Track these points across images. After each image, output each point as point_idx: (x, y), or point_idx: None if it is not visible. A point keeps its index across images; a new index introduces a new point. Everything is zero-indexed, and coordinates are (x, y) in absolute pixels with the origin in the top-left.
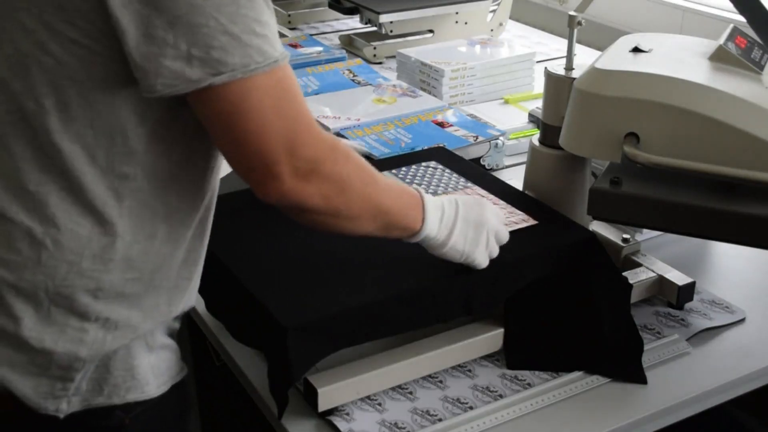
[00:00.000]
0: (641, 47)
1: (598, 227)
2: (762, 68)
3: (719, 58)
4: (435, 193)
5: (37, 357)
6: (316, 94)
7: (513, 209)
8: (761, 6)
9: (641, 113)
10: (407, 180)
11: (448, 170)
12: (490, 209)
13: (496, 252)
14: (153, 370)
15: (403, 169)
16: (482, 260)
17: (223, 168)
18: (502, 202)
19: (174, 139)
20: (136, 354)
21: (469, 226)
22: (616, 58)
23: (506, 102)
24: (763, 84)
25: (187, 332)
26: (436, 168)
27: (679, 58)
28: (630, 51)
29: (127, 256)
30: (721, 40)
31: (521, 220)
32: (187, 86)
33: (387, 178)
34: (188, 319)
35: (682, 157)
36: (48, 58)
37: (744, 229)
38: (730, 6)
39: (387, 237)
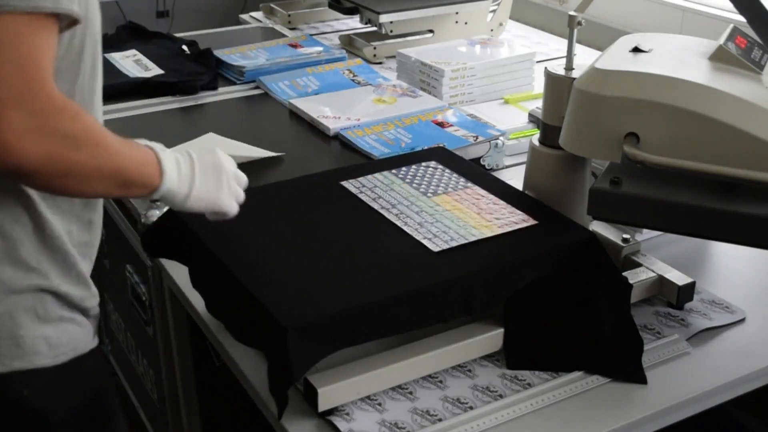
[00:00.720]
0: (641, 47)
1: (598, 227)
2: (762, 68)
3: (719, 58)
4: (435, 194)
5: None
6: (316, 94)
7: (513, 209)
8: (761, 6)
9: (641, 113)
10: (407, 180)
11: (448, 170)
12: (222, 154)
13: (241, 195)
14: (47, 341)
15: (403, 169)
16: (229, 206)
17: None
18: (502, 202)
19: None
20: (23, 323)
21: (208, 173)
22: (616, 58)
23: (506, 102)
24: (763, 84)
25: (188, 332)
26: (436, 168)
27: (679, 58)
28: (630, 51)
29: None
30: (721, 40)
31: (521, 220)
32: None
33: (118, 138)
34: (188, 319)
35: (682, 157)
36: None
37: (744, 229)
38: (730, 6)
39: (128, 195)
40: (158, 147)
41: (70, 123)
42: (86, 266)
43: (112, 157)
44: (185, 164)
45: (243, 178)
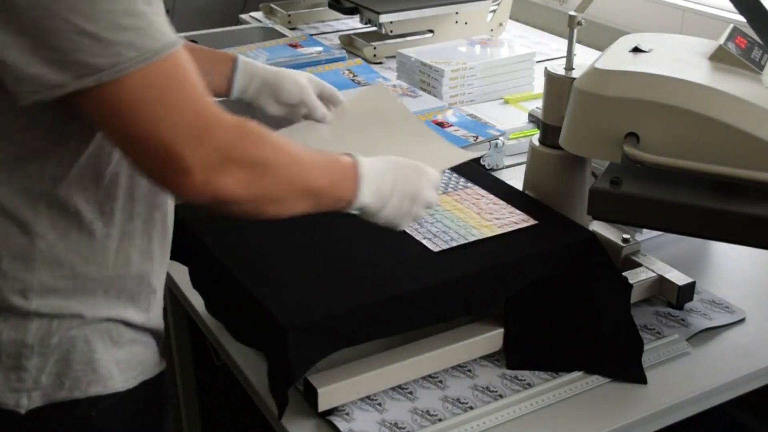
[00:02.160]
0: (641, 47)
1: (598, 227)
2: (762, 68)
3: (719, 58)
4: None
5: None
6: None
7: (513, 209)
8: (761, 6)
9: (641, 113)
10: None
11: (448, 170)
12: (429, 180)
13: (421, 217)
14: (118, 365)
15: None
16: (405, 227)
17: None
18: (502, 202)
19: (72, 136)
20: (98, 347)
21: (405, 200)
22: (616, 58)
23: (506, 102)
24: (763, 84)
25: (188, 332)
26: None
27: (679, 58)
28: (630, 51)
29: (51, 254)
30: (721, 40)
31: (521, 220)
32: (51, 92)
33: (314, 152)
34: (188, 319)
35: (682, 157)
36: None
37: (744, 229)
38: (730, 6)
39: (320, 212)
40: (362, 160)
41: (255, 148)
42: (161, 288)
43: (305, 176)
44: (388, 183)
45: (434, 203)
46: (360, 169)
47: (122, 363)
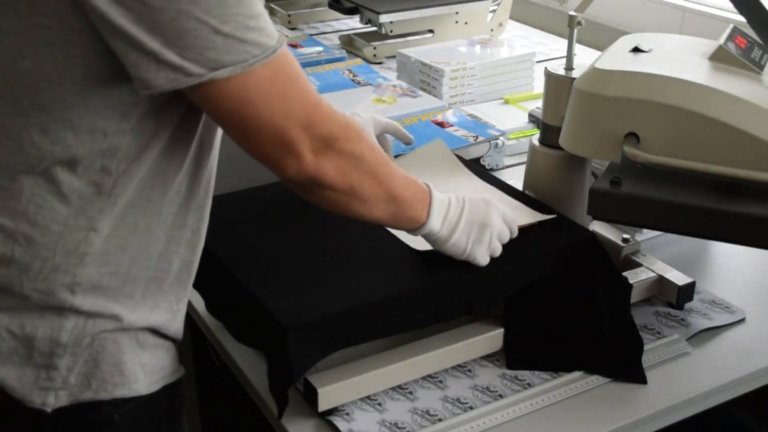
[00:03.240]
0: (641, 47)
1: (598, 227)
2: (762, 68)
3: (719, 58)
4: None
5: (19, 345)
6: None
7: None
8: (761, 6)
9: (641, 113)
10: None
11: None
12: (496, 210)
13: (498, 251)
14: (143, 368)
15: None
16: (483, 259)
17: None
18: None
19: (157, 134)
20: (126, 350)
21: (473, 226)
22: (616, 58)
23: (506, 102)
24: (763, 84)
25: (188, 332)
26: None
27: (679, 58)
28: (630, 51)
29: (103, 250)
30: (721, 40)
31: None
32: (187, 81)
33: (398, 168)
34: (188, 319)
35: (682, 157)
36: (25, 62)
37: (744, 229)
38: (730, 6)
39: (393, 226)
40: (432, 188)
41: (356, 143)
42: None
43: (392, 183)
44: (454, 211)
45: (505, 235)
46: (432, 192)
47: (147, 367)
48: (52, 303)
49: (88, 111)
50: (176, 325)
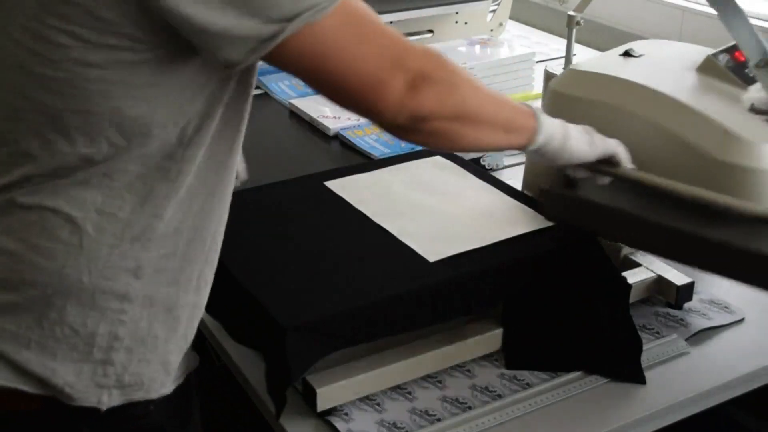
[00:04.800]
0: (633, 52)
1: None
2: (750, 83)
3: (706, 69)
4: None
5: (79, 341)
6: (317, 94)
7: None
8: (746, 22)
9: (607, 118)
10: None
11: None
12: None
13: (611, 148)
14: (180, 364)
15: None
16: (615, 144)
17: None
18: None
19: (217, 114)
20: (173, 349)
21: (582, 132)
22: (602, 60)
23: None
24: (743, 100)
25: None
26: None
27: (665, 67)
28: (620, 55)
29: (164, 233)
30: (717, 50)
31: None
32: (266, 45)
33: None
34: None
35: (643, 169)
36: (92, 70)
37: (689, 248)
38: None
39: (508, 144)
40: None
41: (442, 68)
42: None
43: (492, 99)
44: (559, 123)
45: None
46: (533, 108)
47: (180, 362)
48: (116, 291)
49: (153, 103)
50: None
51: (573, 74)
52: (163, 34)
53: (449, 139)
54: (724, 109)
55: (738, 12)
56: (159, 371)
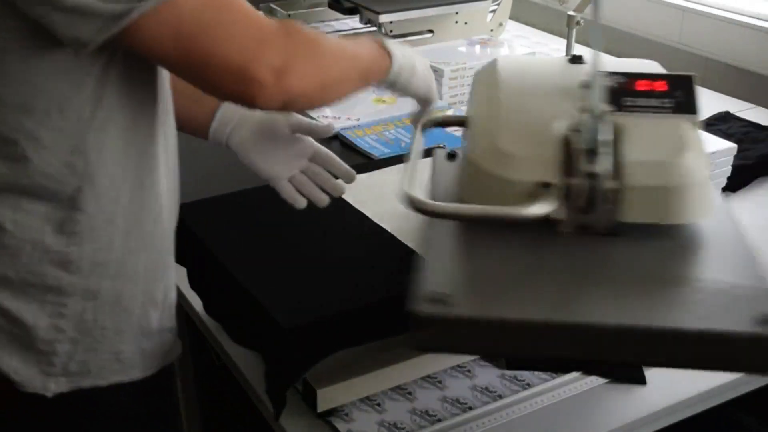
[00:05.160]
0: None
1: None
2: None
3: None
4: None
5: (22, 333)
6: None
7: None
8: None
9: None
10: None
11: None
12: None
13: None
14: (142, 354)
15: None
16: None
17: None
18: None
19: (111, 102)
20: (127, 339)
21: (426, 67)
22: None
23: None
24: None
25: (188, 332)
26: None
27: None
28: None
29: (93, 227)
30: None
31: None
32: (116, 24)
33: (342, 39)
34: (188, 319)
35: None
36: None
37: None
38: (730, 6)
39: (367, 86)
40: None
41: (305, 42)
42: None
43: (350, 57)
44: (407, 51)
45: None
46: (379, 39)
47: (146, 352)
48: (48, 285)
49: (39, 86)
50: (171, 301)
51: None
52: (27, 18)
53: (318, 105)
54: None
55: None
56: (109, 360)
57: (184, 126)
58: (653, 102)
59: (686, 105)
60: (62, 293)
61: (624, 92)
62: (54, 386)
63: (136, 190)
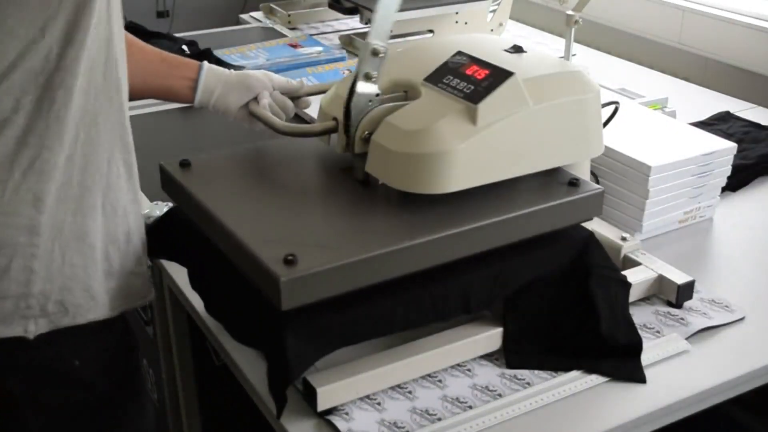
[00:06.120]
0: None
1: (596, 226)
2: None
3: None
4: None
5: None
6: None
7: None
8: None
9: None
10: None
11: None
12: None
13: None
14: (109, 292)
15: None
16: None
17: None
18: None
19: (77, 40)
20: (94, 275)
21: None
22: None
23: None
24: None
25: (188, 332)
26: None
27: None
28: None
29: (56, 164)
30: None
31: None
32: None
33: None
34: (188, 319)
35: None
36: None
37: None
38: (730, 6)
39: None
40: None
41: None
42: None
43: None
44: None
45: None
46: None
47: (112, 291)
48: (20, 225)
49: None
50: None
51: None
52: None
53: None
54: None
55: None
56: (83, 297)
57: (165, 97)
58: (462, 85)
59: (476, 95)
60: (33, 233)
61: (451, 71)
62: (34, 328)
63: (92, 128)
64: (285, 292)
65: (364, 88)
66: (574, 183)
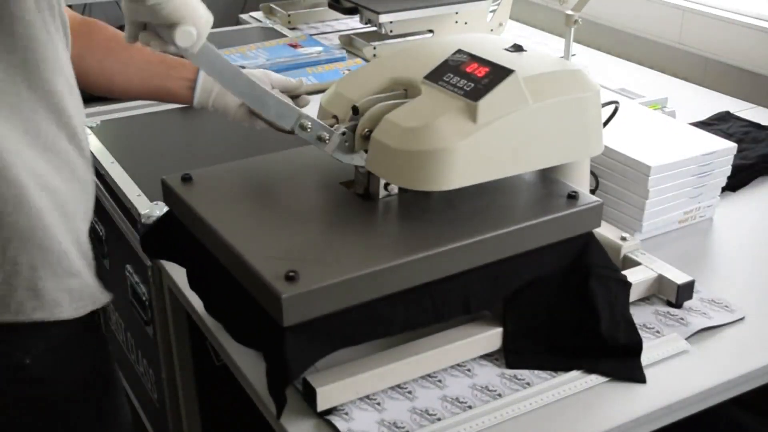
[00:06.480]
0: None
1: None
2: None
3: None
4: None
5: None
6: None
7: None
8: (273, 96)
9: None
10: None
11: None
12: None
13: None
14: (70, 293)
15: None
16: None
17: None
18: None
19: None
20: (43, 275)
21: None
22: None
23: None
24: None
25: (188, 332)
26: None
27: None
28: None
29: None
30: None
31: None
32: None
33: None
34: (188, 319)
35: None
36: None
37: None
38: (730, 6)
39: None
40: None
41: None
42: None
43: None
44: None
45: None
46: None
47: (74, 292)
48: None
49: None
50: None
51: None
52: None
53: None
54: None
55: (263, 91)
56: (29, 296)
57: (164, 99)
58: (462, 83)
59: (476, 92)
60: None
61: (451, 69)
62: None
63: (33, 130)
64: (287, 308)
65: None
66: (573, 196)
